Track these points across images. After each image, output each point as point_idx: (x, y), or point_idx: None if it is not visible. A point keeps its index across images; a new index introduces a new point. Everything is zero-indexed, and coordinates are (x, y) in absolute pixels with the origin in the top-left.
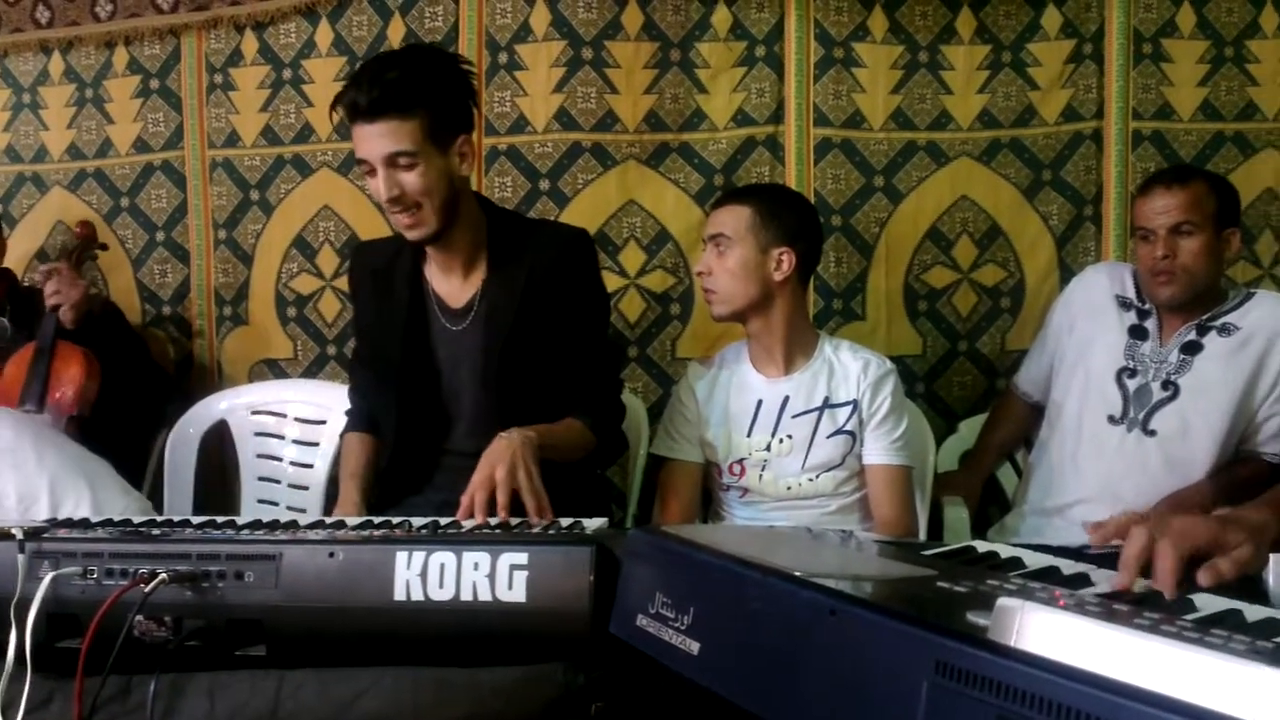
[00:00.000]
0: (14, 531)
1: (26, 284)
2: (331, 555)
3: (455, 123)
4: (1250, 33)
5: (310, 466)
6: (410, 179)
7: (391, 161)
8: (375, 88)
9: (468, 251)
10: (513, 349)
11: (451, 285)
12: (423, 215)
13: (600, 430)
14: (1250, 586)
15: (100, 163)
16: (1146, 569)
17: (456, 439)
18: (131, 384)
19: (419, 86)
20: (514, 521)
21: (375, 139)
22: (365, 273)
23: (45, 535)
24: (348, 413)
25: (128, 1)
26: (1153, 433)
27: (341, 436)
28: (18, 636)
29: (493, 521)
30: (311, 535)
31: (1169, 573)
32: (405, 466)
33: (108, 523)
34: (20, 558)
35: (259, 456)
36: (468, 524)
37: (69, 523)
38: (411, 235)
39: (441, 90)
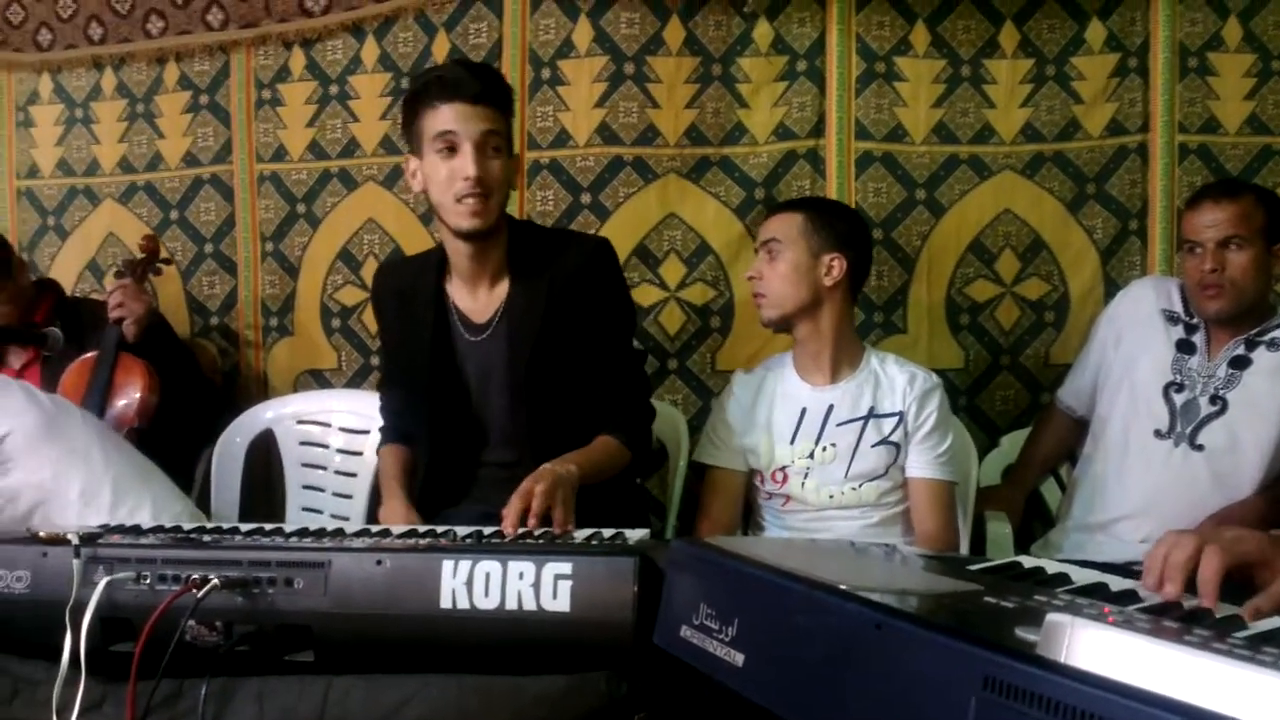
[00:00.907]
0: (70, 537)
1: (76, 295)
2: (379, 563)
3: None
4: None
5: (354, 475)
6: (494, 166)
7: (484, 143)
8: (484, 77)
9: (491, 266)
10: (539, 361)
11: (475, 300)
12: (490, 205)
13: (635, 444)
14: None
15: (150, 176)
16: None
17: (491, 451)
18: (182, 395)
19: (508, 94)
20: (558, 532)
21: (476, 119)
22: (388, 293)
23: (100, 541)
24: (381, 429)
25: (179, 19)
26: (1200, 447)
27: (378, 451)
28: (73, 640)
29: (537, 532)
30: (359, 543)
31: (1211, 578)
32: (442, 479)
33: (160, 529)
34: (75, 563)
35: (304, 465)
36: (512, 534)
37: (122, 529)
38: (472, 223)
39: (513, 108)
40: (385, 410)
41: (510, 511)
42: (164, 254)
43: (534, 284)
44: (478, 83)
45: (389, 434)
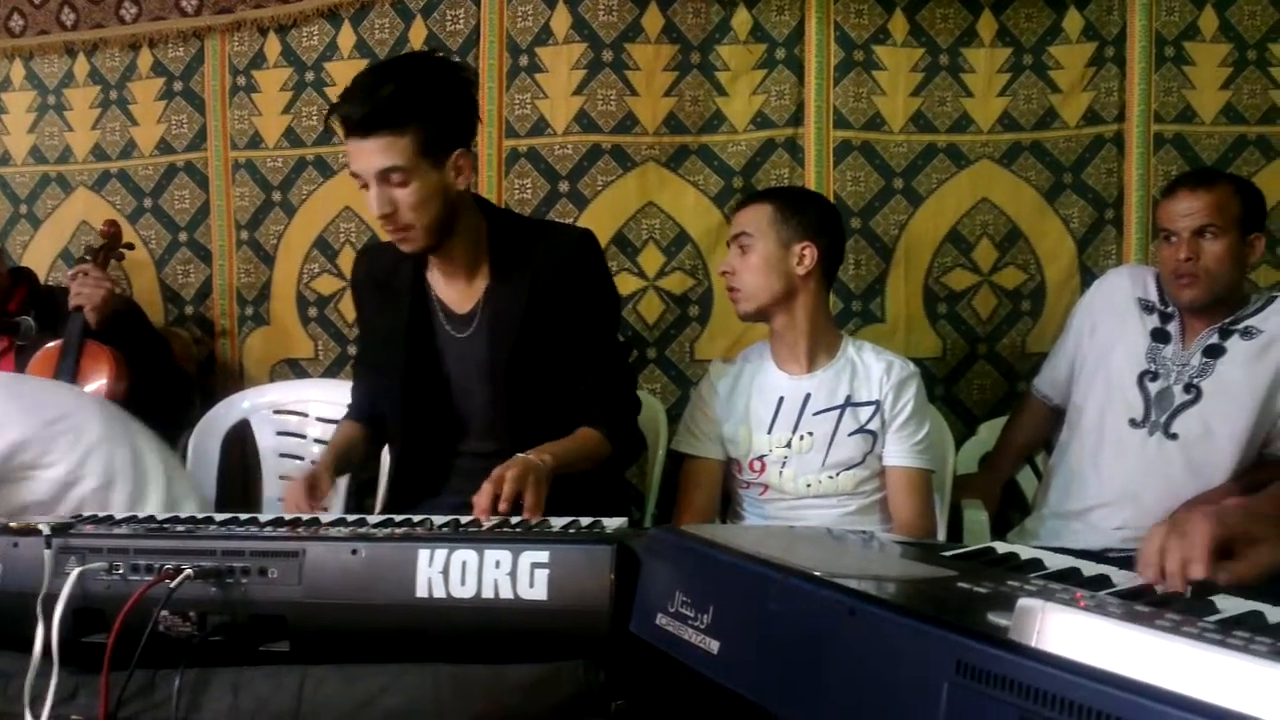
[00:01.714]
0: (41, 527)
1: (50, 284)
2: (354, 552)
3: (451, 137)
4: (1273, 36)
5: None
6: (403, 195)
7: (384, 177)
8: (368, 102)
9: (469, 258)
10: (520, 354)
11: (455, 291)
12: (414, 232)
13: (616, 437)
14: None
15: (124, 164)
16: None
17: (470, 441)
18: (153, 384)
19: (413, 101)
20: (534, 520)
21: (367, 155)
22: (367, 279)
23: (72, 531)
24: (348, 406)
25: (152, 4)
26: (1174, 436)
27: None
28: (44, 631)
29: (514, 521)
30: (334, 532)
31: (1203, 548)
32: (420, 469)
33: (133, 518)
34: (47, 553)
35: (281, 455)
36: (489, 522)
37: (95, 519)
38: (403, 248)
39: (437, 104)
40: (355, 390)
41: (481, 497)
42: (126, 239)
43: (515, 277)
44: (365, 106)
45: (350, 411)
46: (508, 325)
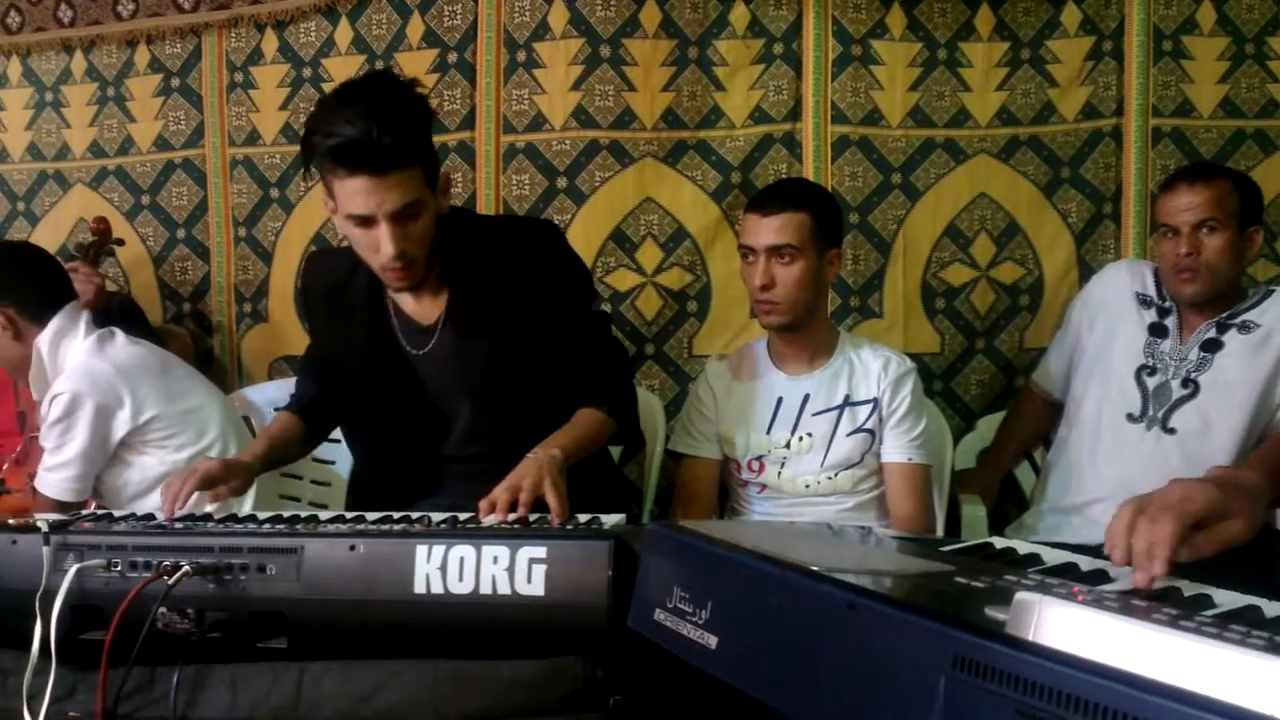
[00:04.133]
0: (39, 524)
1: None
2: (352, 549)
3: (437, 160)
4: (1271, 29)
5: (332, 463)
6: (415, 229)
7: (400, 214)
8: (388, 134)
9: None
10: (495, 358)
11: (418, 302)
12: (417, 267)
13: (618, 412)
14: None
15: (121, 160)
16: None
17: (454, 446)
18: None
19: (421, 131)
20: (532, 517)
21: (385, 192)
22: (318, 288)
23: (70, 528)
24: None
25: (149, 1)
26: (1172, 431)
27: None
28: (42, 628)
29: (511, 517)
30: (332, 529)
31: (1166, 541)
32: (407, 475)
33: (131, 516)
34: (45, 550)
35: None
36: (487, 519)
37: (93, 516)
38: (399, 287)
39: (428, 130)
40: (297, 395)
41: (500, 501)
42: (117, 234)
43: (477, 280)
44: (385, 151)
45: (290, 402)
46: (477, 332)
